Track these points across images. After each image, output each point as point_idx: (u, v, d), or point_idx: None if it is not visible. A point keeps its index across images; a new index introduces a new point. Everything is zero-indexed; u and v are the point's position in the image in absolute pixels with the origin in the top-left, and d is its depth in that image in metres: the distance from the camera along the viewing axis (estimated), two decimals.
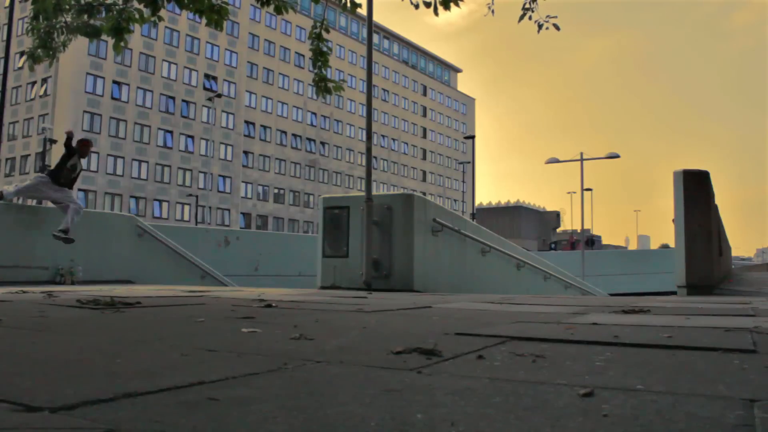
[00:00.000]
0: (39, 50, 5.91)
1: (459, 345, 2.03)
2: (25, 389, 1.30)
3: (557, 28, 6.31)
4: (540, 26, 6.33)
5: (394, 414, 1.11)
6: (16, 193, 8.41)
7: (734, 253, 26.29)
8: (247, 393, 1.28)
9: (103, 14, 5.98)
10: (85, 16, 5.90)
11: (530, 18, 6.35)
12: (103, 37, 6.12)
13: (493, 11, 6.76)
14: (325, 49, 6.84)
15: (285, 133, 59.39)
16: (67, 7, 5.77)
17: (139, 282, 9.12)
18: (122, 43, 5.85)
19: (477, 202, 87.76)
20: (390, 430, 1.01)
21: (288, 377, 1.49)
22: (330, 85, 6.84)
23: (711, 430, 1.02)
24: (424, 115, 78.27)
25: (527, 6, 6.37)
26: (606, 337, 2.24)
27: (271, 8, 6.41)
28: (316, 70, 6.89)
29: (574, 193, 65.12)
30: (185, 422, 1.05)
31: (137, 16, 5.93)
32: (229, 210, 52.93)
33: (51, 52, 5.93)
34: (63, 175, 8.04)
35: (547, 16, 6.34)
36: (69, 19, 5.92)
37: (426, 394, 1.27)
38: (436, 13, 5.87)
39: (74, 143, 8.11)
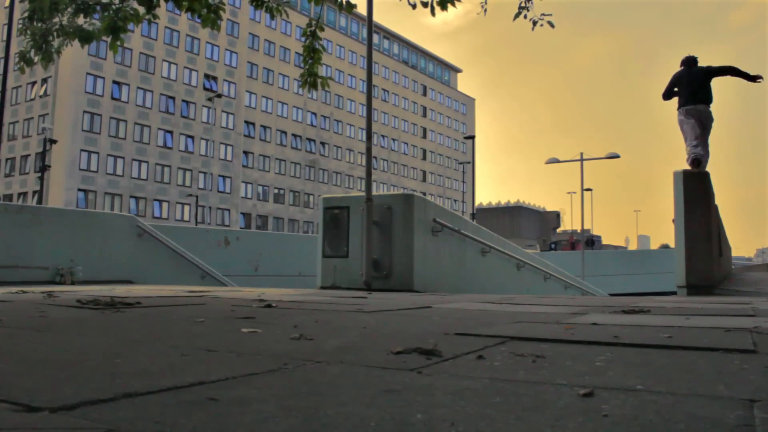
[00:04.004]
0: (32, 52, 5.89)
1: (459, 345, 2.03)
2: (25, 389, 1.30)
3: (552, 25, 6.32)
4: (534, 24, 6.34)
5: (394, 414, 1.11)
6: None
7: (734, 253, 26.29)
8: (247, 393, 1.28)
9: (99, 14, 5.97)
10: (82, 16, 5.89)
11: (525, 17, 6.36)
12: (103, 37, 6.12)
13: (485, 10, 6.76)
14: (318, 46, 6.83)
15: (285, 133, 59.39)
16: (63, 6, 5.75)
17: (139, 282, 9.12)
18: (119, 42, 5.85)
19: (477, 202, 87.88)
20: (390, 430, 1.01)
21: (288, 377, 1.49)
22: (318, 80, 6.82)
23: (711, 430, 1.02)
24: (424, 115, 78.26)
25: (523, 5, 6.38)
26: (606, 337, 2.24)
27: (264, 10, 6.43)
28: (306, 67, 6.88)
29: (574, 193, 65.24)
30: (185, 422, 1.05)
31: (133, 14, 5.93)
32: (229, 210, 52.92)
33: (46, 55, 5.91)
34: None
35: (542, 14, 6.35)
36: (65, 21, 5.91)
37: (426, 394, 1.27)
38: (433, 13, 5.87)
39: None
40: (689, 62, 7.85)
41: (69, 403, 1.15)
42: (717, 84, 8.14)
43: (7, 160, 46.47)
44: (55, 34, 5.89)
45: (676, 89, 7.79)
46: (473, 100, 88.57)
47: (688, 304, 4.15)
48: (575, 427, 1.03)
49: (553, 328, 2.62)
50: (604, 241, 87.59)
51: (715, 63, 7.81)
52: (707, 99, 7.58)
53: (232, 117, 54.31)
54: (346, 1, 6.37)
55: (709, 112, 7.60)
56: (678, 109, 7.68)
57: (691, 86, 7.60)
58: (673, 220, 6.78)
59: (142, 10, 5.96)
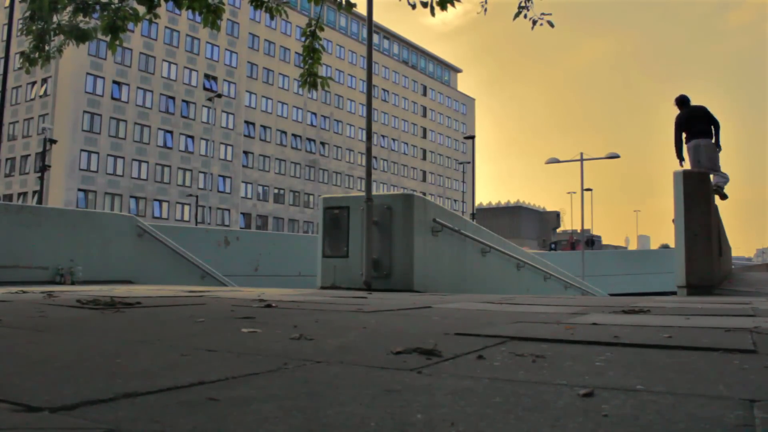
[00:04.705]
0: (34, 52, 5.89)
1: (459, 345, 2.03)
2: (25, 389, 1.30)
3: (551, 25, 6.33)
4: (534, 23, 6.35)
5: (394, 414, 1.11)
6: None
7: (734, 253, 26.29)
8: (247, 393, 1.28)
9: (99, 14, 5.96)
10: (81, 15, 5.88)
11: (525, 16, 6.36)
12: (101, 36, 6.12)
13: (485, 10, 6.76)
14: (317, 46, 6.83)
15: (285, 133, 59.38)
16: (62, 5, 5.74)
17: (139, 282, 9.12)
18: (117, 42, 5.84)
19: (477, 202, 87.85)
20: (390, 430, 1.01)
21: (288, 377, 1.49)
22: (317, 80, 6.81)
23: (711, 430, 1.02)
24: (424, 115, 78.26)
25: (523, 4, 6.38)
26: (606, 337, 2.24)
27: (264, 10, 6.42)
28: (306, 66, 6.87)
29: (574, 193, 65.16)
30: (185, 422, 1.05)
31: (132, 14, 5.92)
32: (229, 210, 52.92)
33: (44, 55, 5.91)
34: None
35: (542, 14, 6.36)
36: (64, 20, 5.90)
37: (426, 394, 1.27)
38: (432, 13, 5.86)
39: None
40: (686, 102, 8.66)
41: (69, 403, 1.15)
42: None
43: (7, 160, 46.46)
44: (52, 33, 5.88)
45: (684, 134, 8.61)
46: (473, 100, 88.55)
47: (688, 304, 4.15)
48: (575, 427, 1.03)
49: (553, 328, 2.62)
50: (604, 241, 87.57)
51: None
52: (709, 133, 8.36)
53: (232, 117, 54.30)
54: (346, 1, 6.37)
55: (711, 144, 8.32)
56: (686, 143, 8.49)
57: (694, 123, 8.40)
58: (673, 220, 6.79)
59: (142, 9, 5.95)
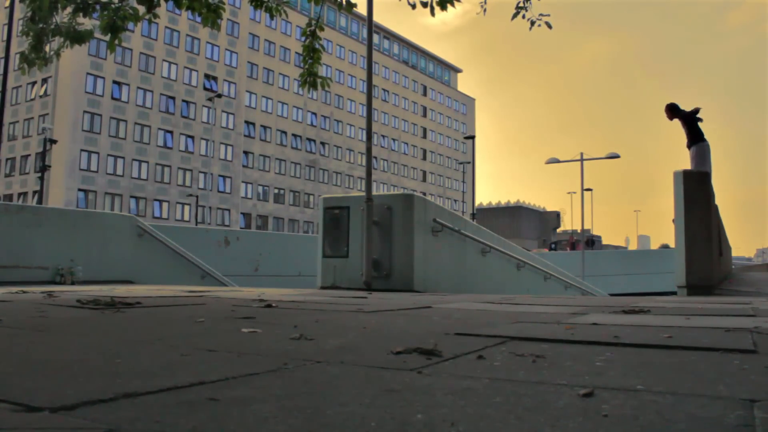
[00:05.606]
0: (32, 54, 5.89)
1: (459, 345, 2.03)
2: (25, 389, 1.30)
3: (549, 26, 6.34)
4: (532, 24, 6.35)
5: (394, 414, 1.11)
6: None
7: (734, 253, 26.29)
8: (247, 393, 1.28)
9: (99, 13, 5.97)
10: (81, 15, 5.89)
11: (523, 17, 6.37)
12: (101, 35, 6.12)
13: (485, 10, 6.77)
14: (317, 46, 6.83)
15: (285, 133, 59.39)
16: (63, 5, 5.75)
17: (139, 282, 9.12)
18: (117, 42, 5.85)
19: (477, 202, 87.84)
20: (390, 430, 1.01)
21: (288, 377, 1.49)
22: (317, 80, 6.82)
23: (711, 431, 1.02)
24: (424, 115, 78.27)
25: (521, 5, 6.39)
26: (606, 337, 2.24)
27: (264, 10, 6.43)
28: (306, 66, 6.88)
29: (574, 193, 65.08)
30: (185, 422, 1.05)
31: (132, 14, 5.93)
32: (229, 210, 52.92)
33: (42, 56, 5.91)
34: None
35: (540, 15, 6.37)
36: (63, 22, 5.90)
37: (426, 394, 1.27)
38: (432, 13, 5.87)
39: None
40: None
41: (69, 403, 1.15)
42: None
43: (7, 160, 46.45)
44: (50, 34, 5.89)
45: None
46: (473, 100, 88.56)
47: (688, 305, 4.15)
48: (575, 427, 1.03)
49: (553, 328, 2.62)
50: (604, 241, 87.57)
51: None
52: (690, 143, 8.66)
53: (232, 117, 54.30)
54: (346, 1, 6.37)
55: (691, 151, 8.57)
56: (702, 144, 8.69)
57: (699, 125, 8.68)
58: (673, 220, 6.79)
59: (141, 9, 5.96)
